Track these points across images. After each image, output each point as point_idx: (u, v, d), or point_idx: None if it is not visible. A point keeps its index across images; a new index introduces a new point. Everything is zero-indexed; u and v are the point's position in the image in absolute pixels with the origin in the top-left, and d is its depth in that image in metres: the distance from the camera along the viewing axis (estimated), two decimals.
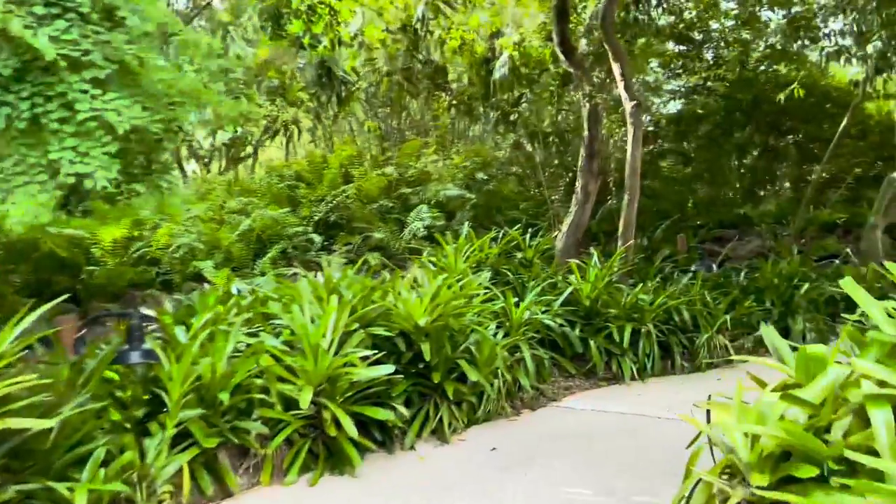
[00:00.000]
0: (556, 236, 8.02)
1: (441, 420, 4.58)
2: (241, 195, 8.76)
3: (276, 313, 4.66)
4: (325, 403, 4.08)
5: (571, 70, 7.94)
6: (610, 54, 7.31)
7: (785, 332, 6.98)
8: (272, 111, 10.23)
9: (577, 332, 6.01)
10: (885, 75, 9.12)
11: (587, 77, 7.88)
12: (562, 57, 7.76)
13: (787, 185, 11.14)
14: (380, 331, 4.61)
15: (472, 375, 4.60)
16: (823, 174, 9.73)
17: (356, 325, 4.49)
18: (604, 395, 5.61)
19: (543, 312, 5.93)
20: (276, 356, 4.21)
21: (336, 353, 4.28)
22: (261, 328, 4.64)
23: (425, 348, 4.42)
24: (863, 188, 9.65)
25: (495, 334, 5.32)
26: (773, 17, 10.04)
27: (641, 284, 6.70)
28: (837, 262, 8.10)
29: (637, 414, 4.97)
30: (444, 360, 4.64)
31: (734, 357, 6.42)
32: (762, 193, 11.27)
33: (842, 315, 7.45)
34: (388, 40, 9.87)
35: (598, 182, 7.89)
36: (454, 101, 11.04)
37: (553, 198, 9.53)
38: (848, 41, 8.64)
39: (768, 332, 3.07)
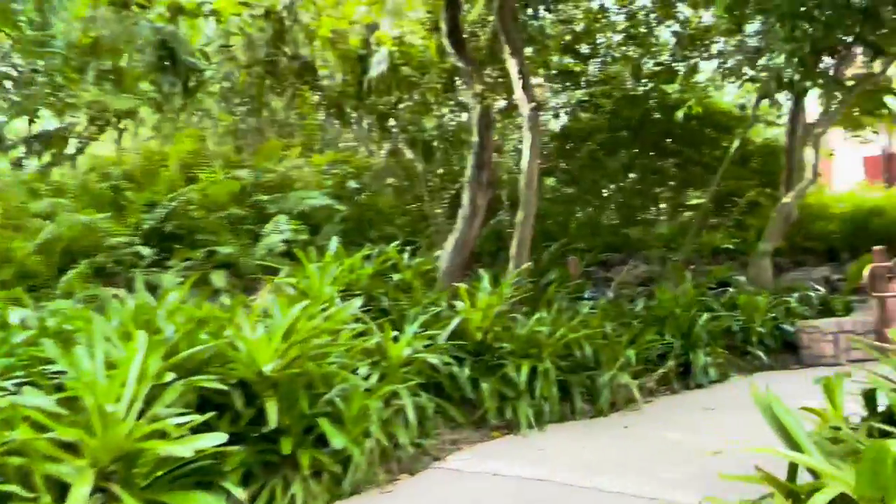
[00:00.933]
0: (438, 255, 7.05)
1: (293, 500, 3.41)
2: (51, 195, 7.09)
3: (55, 357, 3.28)
4: (116, 493, 2.80)
5: (461, 65, 7.08)
6: (506, 48, 6.52)
7: (686, 369, 6.42)
8: (100, 97, 8.56)
9: (466, 371, 5.03)
10: (769, 101, 9.09)
11: (479, 74, 7.06)
12: (450, 49, 6.90)
13: (677, 208, 10.98)
14: (210, 381, 3.36)
15: (337, 440, 3.47)
16: (709, 201, 9.54)
17: (173, 375, 3.22)
18: (498, 451, 4.65)
19: (426, 347, 4.89)
20: (42, 424, 2.86)
21: (139, 417, 3.00)
22: (29, 379, 3.25)
23: (270, 407, 3.23)
24: (747, 214, 9.60)
25: (368, 377, 4.22)
26: (663, 35, 9.83)
27: (538, 314, 5.84)
28: (731, 289, 7.76)
29: (540, 479, 4.03)
30: (299, 419, 3.47)
31: (638, 399, 5.80)
32: (648, 216, 11.04)
33: (740, 346, 7.06)
34: (246, 21, 8.55)
35: (489, 195, 7.04)
36: (324, 102, 9.87)
37: (436, 212, 8.60)
38: (736, 60, 8.52)
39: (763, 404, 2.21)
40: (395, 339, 4.65)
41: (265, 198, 7.62)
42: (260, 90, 10.06)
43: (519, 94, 6.47)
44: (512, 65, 6.49)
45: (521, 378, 5.04)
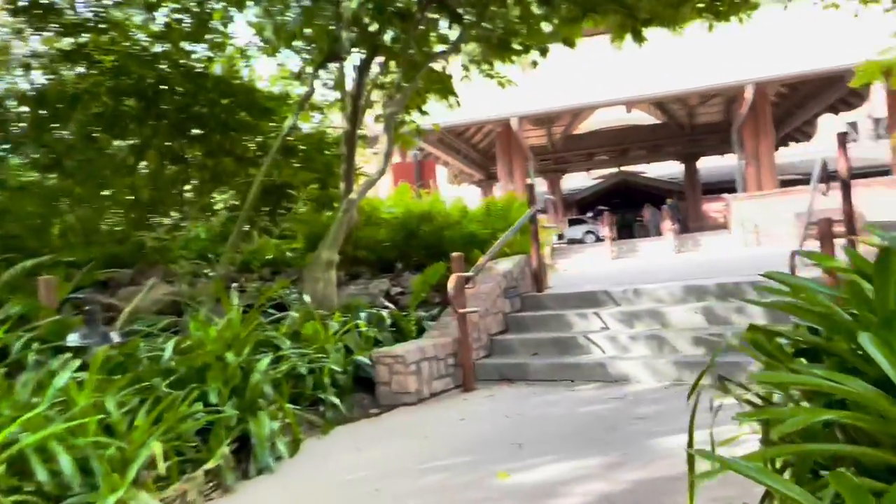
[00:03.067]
0: None
1: None
2: None
3: None
4: None
5: None
6: None
7: (244, 444, 4.16)
8: None
9: None
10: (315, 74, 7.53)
11: None
12: None
13: (207, 208, 8.54)
14: None
15: None
16: (252, 200, 7.44)
17: None
18: None
19: None
20: None
21: None
22: None
23: None
24: (299, 217, 7.91)
25: None
26: None
27: None
28: (292, 313, 5.79)
29: None
30: None
31: None
32: (170, 218, 8.36)
33: (310, 393, 5.12)
34: None
35: None
36: None
37: None
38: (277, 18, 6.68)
39: None
40: None
41: None
42: None
43: None
44: None
45: None
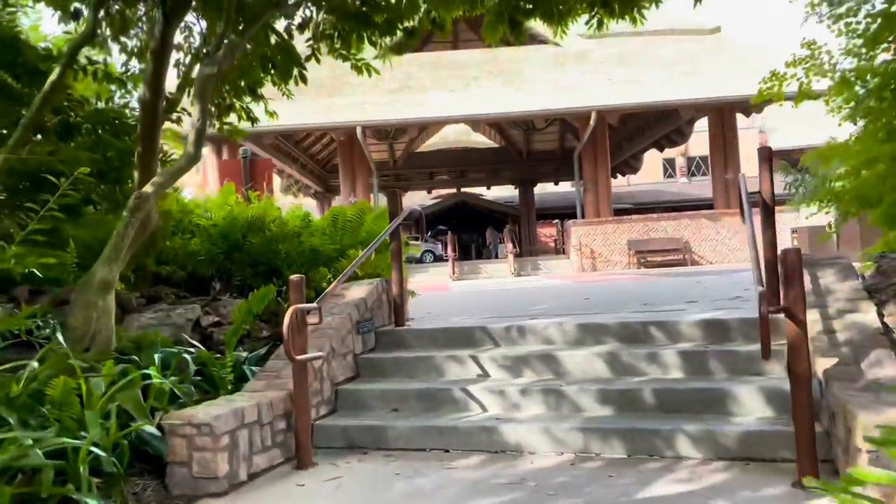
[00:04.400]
0: None
1: None
2: None
3: None
4: None
5: None
6: None
7: None
8: None
9: None
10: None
11: None
12: None
13: None
14: None
15: None
16: None
17: None
18: None
19: None
20: None
21: None
22: None
23: None
24: (67, 218, 5.77)
25: None
26: None
27: None
28: (34, 362, 3.76)
29: None
30: None
31: None
32: None
33: (57, 490, 3.19)
34: None
35: None
36: None
37: None
38: None
39: None
40: None
41: None
42: None
43: None
44: None
45: None
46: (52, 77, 4.79)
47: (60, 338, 4.01)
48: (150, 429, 3.85)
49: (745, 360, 4.49)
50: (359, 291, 5.67)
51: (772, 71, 6.43)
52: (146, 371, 4.23)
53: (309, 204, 36.10)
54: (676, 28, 25.92)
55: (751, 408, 4.12)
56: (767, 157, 4.84)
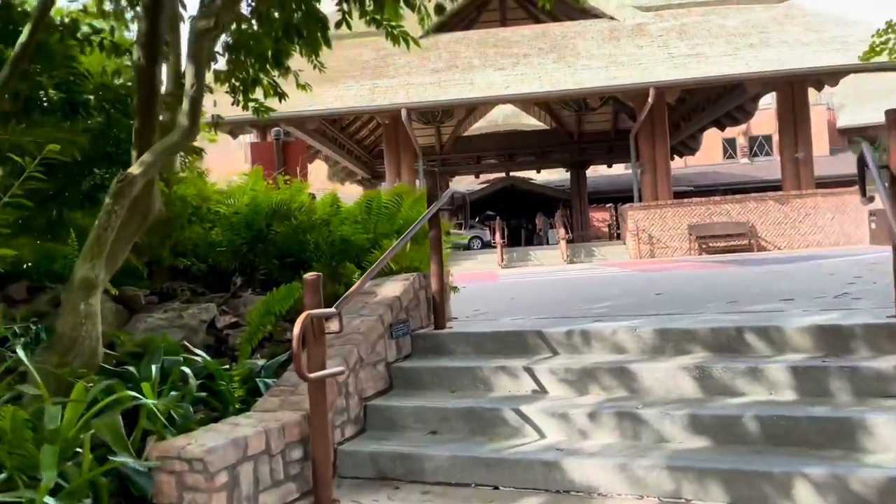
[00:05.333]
0: None
1: None
2: None
3: None
4: None
5: None
6: None
7: None
8: None
9: None
10: None
11: None
12: None
13: None
14: None
15: None
16: None
17: None
18: None
19: None
20: None
21: None
22: None
23: None
24: (63, 203, 5.17)
25: None
26: None
27: None
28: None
29: None
30: None
31: None
32: None
33: None
34: None
35: None
36: None
37: None
38: None
39: None
40: None
41: None
42: None
43: None
44: None
45: None
46: (22, 38, 4.11)
47: (20, 353, 3.31)
48: (135, 464, 3.14)
49: (875, 378, 3.52)
50: (392, 288, 4.88)
51: (887, 22, 5.33)
52: (133, 388, 3.52)
53: (356, 192, 35.65)
54: None
55: (890, 443, 3.17)
56: (895, 121, 3.84)
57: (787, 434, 3.33)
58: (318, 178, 29.16)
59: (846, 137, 38.33)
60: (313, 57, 6.61)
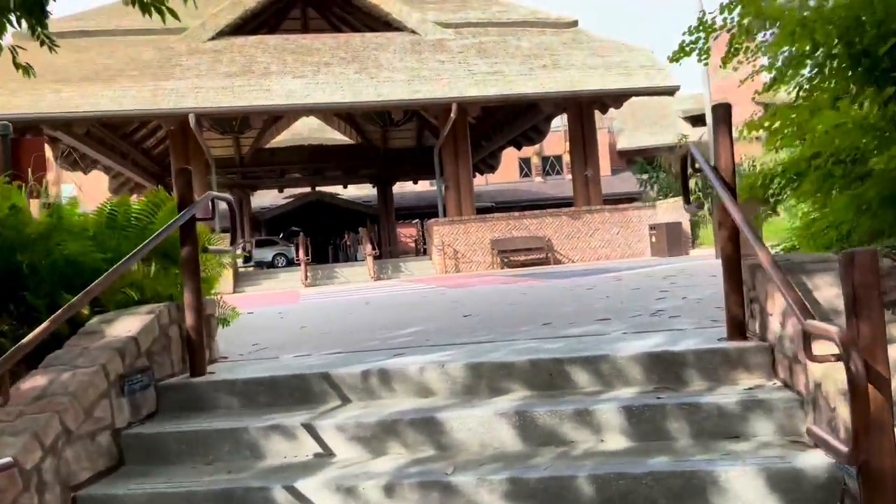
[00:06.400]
0: None
1: None
2: None
3: None
4: None
5: None
6: None
7: None
8: None
9: None
10: None
11: None
12: None
13: None
14: None
15: None
16: None
17: None
18: None
19: None
20: None
21: None
22: None
23: None
24: None
25: None
26: None
27: None
28: None
29: None
30: None
31: None
32: None
33: None
34: None
35: None
36: None
37: None
38: None
39: None
40: None
41: None
42: None
43: None
44: None
45: None
46: None
47: None
48: None
49: (718, 416, 2.99)
50: (127, 326, 3.62)
51: (699, 19, 5.09)
52: None
53: None
54: (534, 20, 25.30)
55: (749, 501, 2.61)
56: (725, 117, 3.42)
57: (627, 496, 2.66)
58: (102, 192, 25.67)
59: (625, 159, 41.92)
60: (39, 30, 5.19)
